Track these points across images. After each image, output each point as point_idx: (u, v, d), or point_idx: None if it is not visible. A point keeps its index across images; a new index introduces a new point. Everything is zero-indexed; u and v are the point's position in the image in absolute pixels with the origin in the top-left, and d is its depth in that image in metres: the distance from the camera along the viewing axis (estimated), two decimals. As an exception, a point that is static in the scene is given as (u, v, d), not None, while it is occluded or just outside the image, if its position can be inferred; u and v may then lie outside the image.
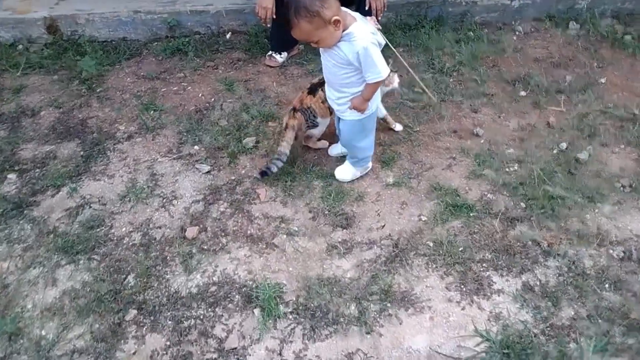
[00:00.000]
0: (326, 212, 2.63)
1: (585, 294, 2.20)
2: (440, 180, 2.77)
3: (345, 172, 2.77)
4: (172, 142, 3.14)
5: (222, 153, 3.03)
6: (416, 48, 3.76)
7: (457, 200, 2.63)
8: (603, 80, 3.39)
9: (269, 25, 3.43)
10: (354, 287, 2.27)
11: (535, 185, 2.67)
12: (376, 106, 2.51)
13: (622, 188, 2.66)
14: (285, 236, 2.54)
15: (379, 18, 3.33)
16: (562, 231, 2.46)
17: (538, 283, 2.26)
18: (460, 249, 2.40)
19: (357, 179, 2.81)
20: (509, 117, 3.17)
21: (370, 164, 2.78)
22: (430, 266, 2.35)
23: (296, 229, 2.57)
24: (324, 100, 2.71)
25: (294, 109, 2.77)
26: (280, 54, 3.74)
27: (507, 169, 2.80)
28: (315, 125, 2.83)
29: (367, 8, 3.36)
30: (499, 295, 2.23)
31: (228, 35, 4.08)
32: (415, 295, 2.23)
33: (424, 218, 2.58)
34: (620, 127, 3.03)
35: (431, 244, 2.45)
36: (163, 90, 3.56)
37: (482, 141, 3.00)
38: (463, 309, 2.18)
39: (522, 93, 3.32)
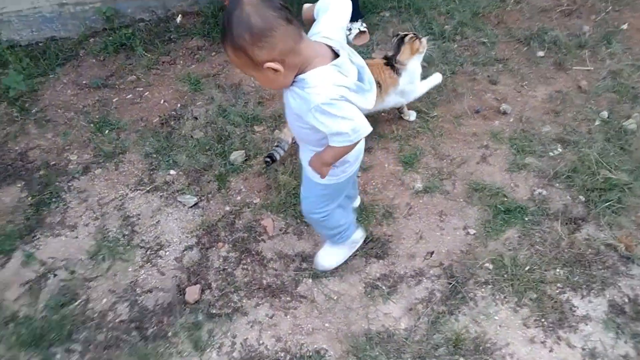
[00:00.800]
0: None
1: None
2: (477, 177, 2.32)
3: (327, 256, 2.03)
4: (140, 169, 2.53)
5: (207, 176, 2.46)
6: (406, 10, 3.19)
7: (505, 202, 2.20)
8: (625, 27, 2.95)
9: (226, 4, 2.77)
10: (414, 342, 1.84)
11: (589, 171, 2.26)
12: (351, 173, 1.70)
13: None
14: (310, 280, 2.05)
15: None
16: (638, 227, 2.07)
17: (627, 300, 1.88)
18: (526, 269, 1.99)
19: (379, 188, 2.32)
20: (534, 85, 2.71)
21: (360, 234, 2.04)
22: (497, 297, 1.94)
23: (321, 268, 2.07)
24: None
25: None
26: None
27: (550, 153, 2.37)
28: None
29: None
30: (586, 324, 1.84)
31: (178, 19, 3.37)
32: (490, 341, 1.82)
33: (471, 231, 2.14)
34: (661, 82, 2.62)
35: (490, 266, 2.02)
36: (115, 100, 2.89)
37: (511, 120, 2.55)
38: (551, 350, 1.79)
39: (540, 53, 2.86)
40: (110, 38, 3.23)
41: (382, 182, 2.36)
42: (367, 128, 1.36)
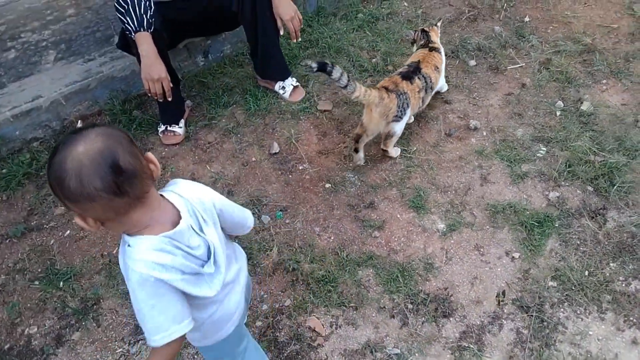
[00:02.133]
0: (409, 306, 2.00)
1: None
2: (490, 199, 2.32)
3: None
4: (127, 314, 2.10)
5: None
6: (327, 53, 3.12)
7: (529, 216, 2.21)
8: (527, 19, 3.20)
9: (169, 100, 2.45)
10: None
11: (584, 161, 2.38)
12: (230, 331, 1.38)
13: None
14: (394, 368, 1.85)
15: (299, 39, 2.63)
16: (651, 199, 2.22)
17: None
18: (586, 274, 2.01)
19: (404, 241, 2.20)
20: (483, 94, 2.81)
21: None
22: (579, 312, 1.93)
23: (397, 351, 1.90)
24: (420, 90, 2.38)
25: (386, 89, 2.29)
26: (178, 123, 2.77)
27: (539, 154, 2.46)
28: (400, 118, 2.33)
29: (281, 33, 2.63)
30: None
31: (79, 125, 2.91)
32: (600, 359, 1.78)
33: (515, 255, 2.12)
34: (584, 61, 2.88)
35: (554, 284, 2.01)
36: (53, 243, 2.38)
37: (484, 134, 2.60)
38: (655, 344, 1.81)
39: (472, 62, 2.98)
40: (4, 170, 2.67)
41: (404, 234, 2.24)
42: (161, 336, 1.07)
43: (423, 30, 2.69)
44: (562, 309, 1.94)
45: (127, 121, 2.83)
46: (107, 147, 0.97)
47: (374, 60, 3.05)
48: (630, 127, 2.50)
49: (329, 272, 2.13)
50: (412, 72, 2.39)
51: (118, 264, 1.99)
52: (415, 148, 2.56)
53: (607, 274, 2.00)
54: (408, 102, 2.31)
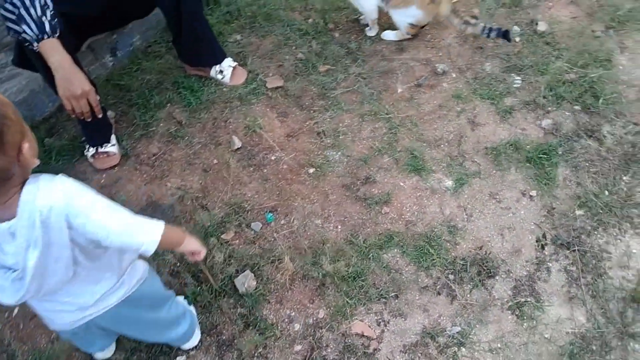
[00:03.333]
0: (451, 277, 1.90)
1: None
2: (486, 142, 2.25)
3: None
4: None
5: (231, 331, 1.82)
6: (257, 24, 2.78)
7: (531, 151, 2.15)
8: None
9: (100, 116, 2.01)
10: (614, 328, 1.69)
11: (561, 81, 2.35)
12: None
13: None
14: (464, 349, 1.73)
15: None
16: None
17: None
18: (606, 194, 1.99)
19: (419, 210, 2.06)
20: (437, 34, 2.68)
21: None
22: (615, 234, 1.93)
23: (458, 328, 1.79)
24: None
25: None
26: (109, 141, 2.33)
27: (515, 85, 2.40)
28: None
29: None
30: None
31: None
32: (655, 276, 1.79)
33: (532, 193, 2.06)
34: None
35: (581, 212, 1.97)
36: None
37: (454, 75, 2.49)
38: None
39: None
40: None
41: (415, 202, 2.08)
42: None
43: None
44: (599, 235, 1.91)
45: (41, 154, 2.33)
46: None
47: (310, 20, 2.77)
48: (590, 39, 2.51)
49: (353, 265, 1.91)
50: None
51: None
52: (390, 107, 2.37)
53: (626, 189, 2.01)
54: None
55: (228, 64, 2.53)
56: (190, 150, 2.32)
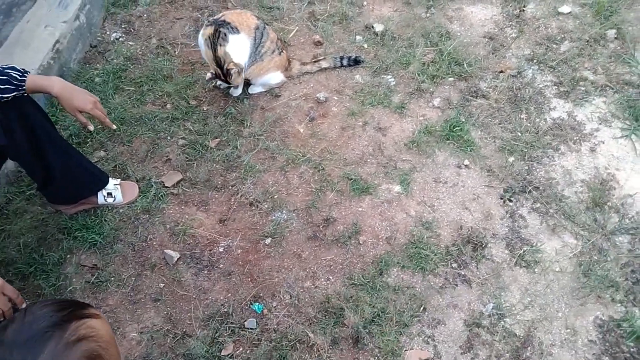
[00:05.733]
0: (454, 265, 2.02)
1: None
2: (402, 139, 2.40)
3: None
4: None
5: None
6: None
7: (442, 128, 2.37)
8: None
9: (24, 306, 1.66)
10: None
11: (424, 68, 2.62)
12: None
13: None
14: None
15: (113, 127, 2.12)
16: None
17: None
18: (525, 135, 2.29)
19: (388, 222, 2.11)
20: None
21: None
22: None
23: (490, 305, 1.90)
24: None
25: None
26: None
27: (390, 83, 2.60)
28: None
29: (91, 129, 2.05)
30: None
31: None
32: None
33: (465, 162, 2.26)
34: None
35: (515, 159, 2.23)
36: None
37: (336, 98, 2.61)
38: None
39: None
40: None
41: (381, 218, 2.14)
42: None
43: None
44: (538, 169, 2.19)
45: None
46: None
47: (168, 106, 2.65)
48: (420, 21, 2.86)
49: (369, 304, 1.89)
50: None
51: None
52: (301, 149, 2.39)
53: (529, 124, 2.33)
54: None
55: (113, 183, 2.29)
56: (126, 289, 2.04)
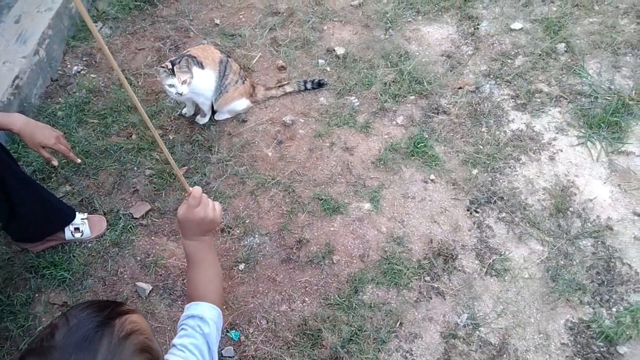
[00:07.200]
0: (427, 278, 2.05)
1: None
2: (369, 158, 2.44)
3: None
4: None
5: None
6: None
7: (405, 145, 2.44)
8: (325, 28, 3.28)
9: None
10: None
11: (386, 85, 2.70)
12: None
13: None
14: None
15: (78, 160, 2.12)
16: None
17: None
18: (489, 148, 2.37)
19: (360, 240, 2.15)
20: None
21: None
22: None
23: (465, 316, 1.93)
24: None
25: None
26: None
27: (354, 103, 2.66)
28: None
29: (55, 164, 2.03)
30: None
31: None
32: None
33: (432, 177, 2.33)
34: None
35: (478, 171, 2.30)
36: None
37: (302, 120, 2.65)
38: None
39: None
40: None
41: (353, 237, 2.17)
42: None
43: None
44: (500, 180, 2.26)
45: None
46: None
47: (134, 137, 2.64)
48: (380, 43, 2.94)
49: (347, 323, 1.90)
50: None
51: None
52: (270, 172, 2.42)
53: (489, 137, 2.41)
54: None
55: (80, 218, 2.27)
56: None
